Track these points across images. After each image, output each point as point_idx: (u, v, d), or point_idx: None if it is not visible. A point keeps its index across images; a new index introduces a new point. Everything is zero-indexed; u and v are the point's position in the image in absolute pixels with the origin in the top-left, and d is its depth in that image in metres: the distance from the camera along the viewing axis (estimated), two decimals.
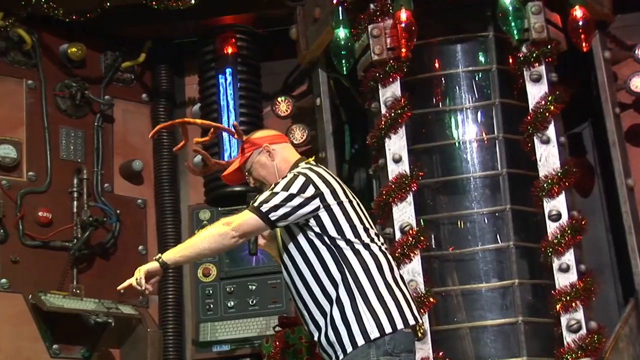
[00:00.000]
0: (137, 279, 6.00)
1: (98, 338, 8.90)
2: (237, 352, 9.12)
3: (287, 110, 9.20)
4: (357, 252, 6.10)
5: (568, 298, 7.49)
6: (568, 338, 7.44)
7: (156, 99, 9.86)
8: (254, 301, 9.22)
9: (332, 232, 6.08)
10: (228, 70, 9.53)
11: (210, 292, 9.27)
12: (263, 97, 9.64)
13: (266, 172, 6.52)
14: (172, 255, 6.14)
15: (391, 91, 7.92)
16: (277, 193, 6.03)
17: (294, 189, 6.05)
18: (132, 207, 9.53)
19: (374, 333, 5.92)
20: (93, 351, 8.92)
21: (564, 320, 7.49)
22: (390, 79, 7.94)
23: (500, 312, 7.78)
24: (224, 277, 9.25)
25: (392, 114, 7.80)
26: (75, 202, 9.12)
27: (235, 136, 6.74)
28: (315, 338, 6.23)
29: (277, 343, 8.27)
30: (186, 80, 10.02)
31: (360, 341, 5.98)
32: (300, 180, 6.12)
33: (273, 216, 6.00)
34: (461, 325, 7.71)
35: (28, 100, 9.13)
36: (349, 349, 6.00)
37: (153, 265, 6.05)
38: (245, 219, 6.10)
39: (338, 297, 6.10)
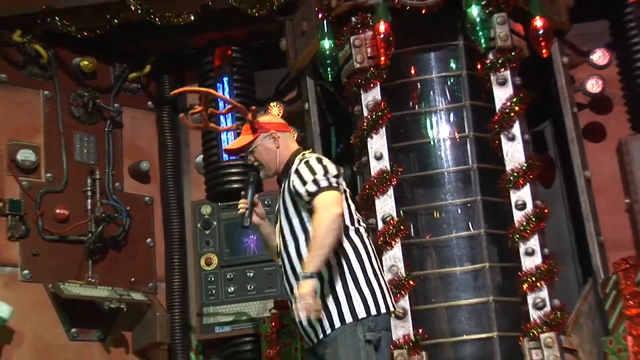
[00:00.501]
0: (316, 306, 5.95)
1: (112, 322, 8.99)
2: (237, 332, 9.11)
3: (278, 114, 9.14)
4: (349, 238, 6.24)
5: (533, 279, 7.52)
6: (534, 315, 7.47)
7: (160, 106, 9.89)
8: (252, 287, 9.22)
9: None
10: (225, 79, 9.59)
11: (212, 279, 9.25)
12: (257, 102, 9.50)
13: (268, 157, 6.57)
14: (314, 264, 6.02)
15: (372, 96, 7.94)
16: (326, 172, 6.24)
17: (330, 168, 6.29)
18: (140, 203, 9.56)
19: (361, 313, 6.08)
20: (107, 334, 8.99)
21: (530, 298, 7.52)
22: (371, 85, 7.96)
23: (473, 293, 7.81)
24: (224, 265, 9.25)
25: (373, 116, 7.83)
26: (89, 200, 9.17)
27: (249, 116, 6.68)
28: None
29: (273, 324, 8.37)
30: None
31: (348, 319, 6.11)
32: (325, 161, 6.35)
33: (340, 188, 6.26)
34: (438, 305, 7.75)
35: (45, 109, 9.17)
36: (337, 325, 6.11)
37: (311, 283, 5.95)
38: (333, 197, 6.17)
39: (330, 278, 6.19)
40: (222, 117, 9.17)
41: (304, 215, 6.33)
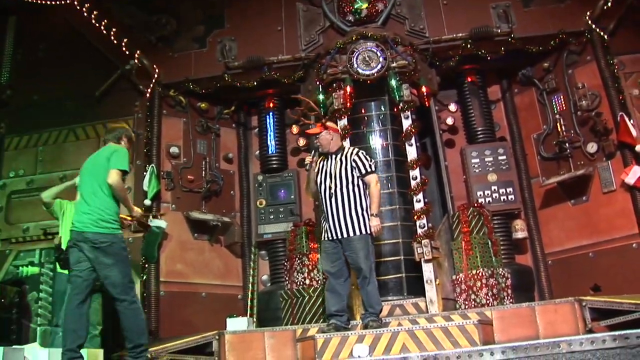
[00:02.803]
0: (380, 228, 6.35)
1: (213, 230, 8.80)
2: (274, 237, 8.90)
3: (296, 131, 9.02)
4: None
5: (419, 214, 7.52)
6: (419, 231, 7.46)
7: (238, 127, 9.66)
8: (282, 215, 8.98)
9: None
10: (271, 113, 9.38)
11: (262, 211, 9.03)
12: (286, 125, 9.42)
13: (325, 142, 6.58)
14: (377, 209, 6.33)
15: (343, 122, 7.88)
16: (371, 161, 6.46)
17: (370, 159, 6.52)
18: (228, 174, 9.30)
19: (368, 231, 6.24)
20: (211, 237, 8.81)
21: (418, 223, 7.49)
22: (342, 116, 7.91)
23: (391, 220, 7.77)
24: (268, 205, 9.04)
25: (343, 132, 7.72)
26: (203, 172, 8.96)
27: (323, 121, 6.81)
28: (343, 218, 6.29)
29: (292, 234, 8.31)
30: (252, 118, 9.74)
31: (364, 231, 6.24)
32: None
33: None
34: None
35: (183, 127, 8.98)
36: (364, 232, 6.26)
37: (377, 219, 6.29)
38: (377, 176, 6.44)
39: (363, 208, 6.33)
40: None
41: (355, 176, 6.42)
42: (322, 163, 6.66)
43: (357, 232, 6.27)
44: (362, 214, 6.31)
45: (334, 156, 6.57)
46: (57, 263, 6.93)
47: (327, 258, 6.43)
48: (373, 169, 6.45)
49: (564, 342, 4.24)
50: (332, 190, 6.38)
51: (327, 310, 6.42)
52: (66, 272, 6.44)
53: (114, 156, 5.65)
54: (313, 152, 6.65)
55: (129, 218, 6.18)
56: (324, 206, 6.44)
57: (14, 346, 6.18)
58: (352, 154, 6.56)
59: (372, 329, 6.12)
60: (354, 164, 6.47)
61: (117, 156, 5.66)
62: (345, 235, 6.29)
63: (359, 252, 6.25)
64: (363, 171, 6.44)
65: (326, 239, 6.42)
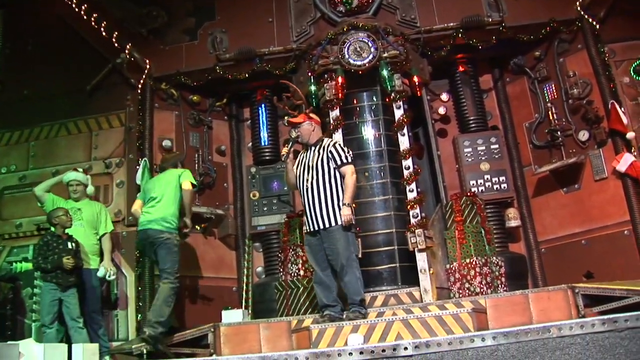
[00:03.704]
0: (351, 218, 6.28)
1: (207, 222, 8.80)
2: (268, 229, 8.92)
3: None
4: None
5: (412, 203, 7.52)
6: (412, 221, 7.47)
7: (230, 119, 9.66)
8: (275, 207, 9.01)
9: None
10: (263, 105, 9.38)
11: (256, 203, 9.05)
12: (278, 116, 9.38)
13: (306, 133, 6.66)
14: (349, 199, 6.28)
15: (335, 113, 7.90)
16: (349, 153, 6.48)
17: (350, 151, 6.52)
18: (221, 167, 9.30)
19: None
20: (205, 230, 8.79)
21: (412, 212, 7.50)
22: (334, 107, 7.92)
23: (384, 210, 7.78)
24: (261, 197, 9.06)
25: (335, 123, 7.81)
26: (196, 165, 8.96)
27: (307, 111, 6.94)
28: (319, 210, 6.33)
29: (286, 225, 8.31)
30: (244, 110, 9.74)
31: (340, 222, 6.23)
32: (345, 146, 6.57)
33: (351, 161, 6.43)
34: (370, 215, 7.72)
35: (175, 120, 8.97)
36: (340, 223, 6.23)
37: (348, 209, 6.24)
38: (353, 167, 6.45)
39: (339, 199, 6.33)
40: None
41: (331, 168, 6.43)
42: (301, 155, 6.73)
43: (333, 223, 6.32)
44: (339, 205, 6.34)
45: (312, 148, 6.62)
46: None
47: (310, 251, 6.48)
48: (349, 160, 6.45)
49: (554, 327, 4.32)
50: (309, 182, 6.42)
51: (320, 302, 6.47)
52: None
53: (185, 174, 7.52)
54: (290, 143, 6.69)
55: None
56: (303, 198, 6.50)
57: (8, 342, 6.22)
58: (328, 145, 6.57)
59: (349, 320, 6.20)
60: (330, 155, 6.48)
61: (189, 174, 7.57)
62: (322, 226, 6.33)
63: (337, 243, 6.28)
64: (338, 162, 6.44)
65: (306, 231, 6.49)
